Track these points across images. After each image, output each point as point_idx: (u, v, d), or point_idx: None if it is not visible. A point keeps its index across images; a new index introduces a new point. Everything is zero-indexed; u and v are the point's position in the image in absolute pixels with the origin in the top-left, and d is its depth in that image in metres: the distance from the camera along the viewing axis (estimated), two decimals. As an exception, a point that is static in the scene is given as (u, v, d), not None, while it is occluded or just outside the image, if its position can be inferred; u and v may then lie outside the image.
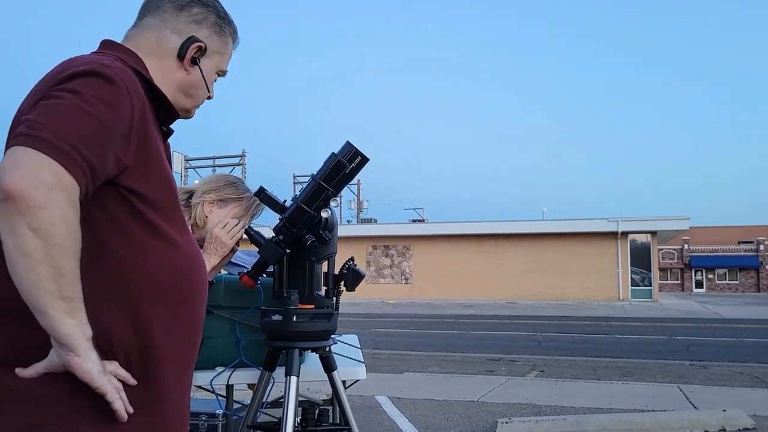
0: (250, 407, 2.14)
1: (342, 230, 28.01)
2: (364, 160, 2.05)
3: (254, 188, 2.12)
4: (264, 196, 2.06)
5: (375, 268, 27.78)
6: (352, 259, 2.22)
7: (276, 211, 2.07)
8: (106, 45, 1.26)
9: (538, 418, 4.32)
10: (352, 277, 2.18)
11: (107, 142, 1.03)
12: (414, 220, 32.80)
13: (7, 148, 1.00)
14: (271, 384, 2.18)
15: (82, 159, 0.99)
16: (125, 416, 1.06)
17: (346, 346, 2.69)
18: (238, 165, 33.75)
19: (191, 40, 1.29)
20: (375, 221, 32.57)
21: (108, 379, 1.04)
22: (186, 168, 33.49)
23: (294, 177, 36.91)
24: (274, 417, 2.66)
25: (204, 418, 3.23)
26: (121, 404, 1.05)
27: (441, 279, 26.47)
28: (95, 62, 1.09)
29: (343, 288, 2.19)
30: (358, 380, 2.40)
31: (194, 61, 1.30)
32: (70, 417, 1.03)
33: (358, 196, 39.28)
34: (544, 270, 25.73)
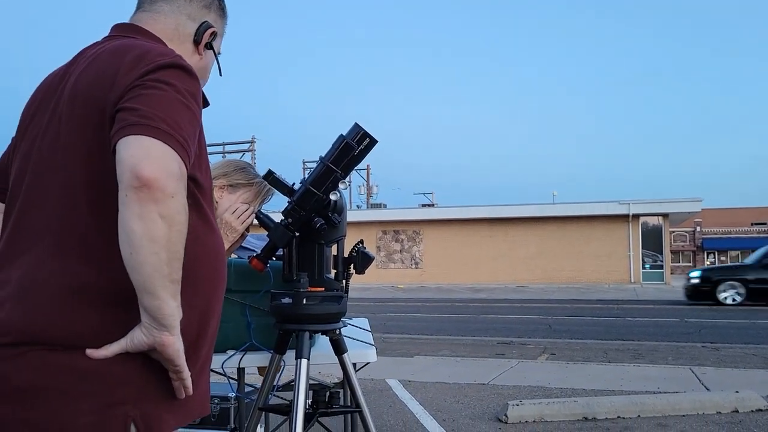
0: (261, 390, 2.15)
1: (352, 215, 28.19)
2: (373, 141, 2.03)
3: (263, 172, 2.11)
4: (272, 179, 2.05)
5: (385, 253, 27.82)
6: (362, 242, 2.21)
7: (284, 194, 2.06)
8: (133, 29, 1.27)
9: (549, 400, 4.33)
10: (361, 259, 2.17)
11: (196, 133, 1.11)
12: (424, 205, 32.78)
13: (114, 134, 1.03)
14: (282, 367, 2.19)
15: (189, 151, 1.07)
16: (190, 392, 1.13)
17: (356, 329, 2.69)
18: (248, 151, 33.80)
19: (205, 25, 1.34)
20: (385, 206, 32.59)
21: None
22: (196, 155, 33.54)
23: (303, 162, 36.93)
24: (285, 399, 2.67)
25: (216, 401, 3.25)
26: (190, 383, 1.12)
27: (451, 263, 26.48)
28: (171, 54, 1.14)
29: (352, 271, 2.19)
30: (368, 363, 2.40)
31: (208, 46, 1.35)
32: (142, 395, 1.07)
33: (367, 180, 39.25)
34: (555, 254, 25.67)
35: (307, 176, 2.04)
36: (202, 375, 1.22)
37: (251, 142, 34.10)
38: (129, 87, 1.07)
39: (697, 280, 15.05)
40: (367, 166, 39.98)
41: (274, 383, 2.19)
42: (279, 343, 2.12)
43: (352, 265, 2.17)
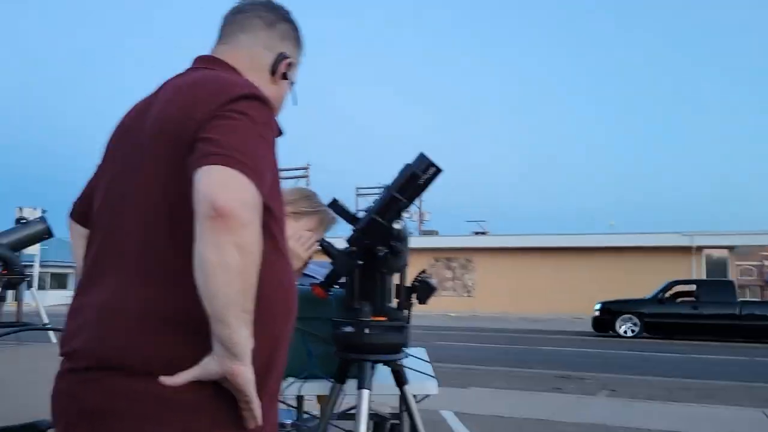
0: (321, 419, 2.13)
1: (404, 242, 28.05)
2: (438, 171, 2.02)
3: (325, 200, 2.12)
4: (337, 208, 2.06)
5: (437, 280, 27.58)
6: (425, 271, 2.18)
7: (349, 222, 2.07)
8: (213, 61, 1.31)
9: (612, 439, 4.15)
10: (424, 289, 2.15)
11: (271, 161, 1.13)
12: (476, 233, 32.48)
13: (192, 165, 1.05)
14: (341, 396, 2.17)
15: (264, 181, 1.07)
16: (260, 422, 1.12)
17: (415, 360, 2.65)
18: (302, 177, 34.36)
19: (282, 56, 1.37)
20: (437, 233, 32.44)
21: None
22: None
23: (357, 190, 37.21)
24: (342, 429, 2.65)
25: (289, 425, 3.25)
26: (260, 412, 1.10)
27: (504, 292, 26.04)
28: (248, 85, 1.17)
29: (414, 301, 2.17)
30: (428, 395, 2.36)
31: (284, 76, 1.37)
32: (215, 424, 1.07)
33: (420, 207, 39.22)
34: (613, 286, 24.85)
35: (372, 205, 2.04)
36: (272, 405, 1.21)
37: (306, 168, 34.68)
38: (207, 118, 1.09)
39: (597, 312, 16.04)
40: (420, 193, 39.95)
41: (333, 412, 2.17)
42: (340, 372, 2.10)
43: (414, 295, 2.14)
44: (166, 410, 1.04)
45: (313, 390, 2.24)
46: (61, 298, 37.94)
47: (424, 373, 2.39)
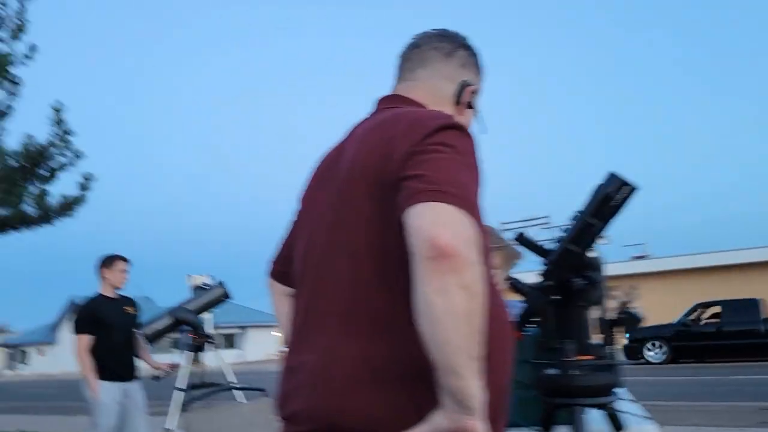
0: (531, 472, 1.96)
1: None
2: (632, 189, 1.84)
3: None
4: (525, 241, 1.93)
5: (641, 309, 26.08)
6: (629, 301, 1.98)
7: (539, 255, 1.93)
8: (397, 99, 1.28)
9: None
10: (629, 321, 1.94)
11: (480, 194, 1.06)
12: (636, 257, 30.45)
13: (403, 204, 1.00)
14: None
15: (478, 214, 1.01)
16: None
17: (622, 401, 2.40)
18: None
19: (465, 84, 1.30)
20: (592, 262, 30.79)
21: None
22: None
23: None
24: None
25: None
26: None
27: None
28: (444, 115, 1.11)
29: (620, 335, 1.97)
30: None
31: (468, 105, 1.31)
32: None
33: (569, 237, 37.59)
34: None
35: (564, 234, 1.89)
36: None
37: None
38: (409, 154, 1.04)
39: (626, 341, 15.75)
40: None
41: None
42: (545, 418, 1.94)
43: (621, 328, 1.95)
44: None
45: (515, 440, 2.08)
46: (233, 357, 40.55)
47: (635, 415, 2.14)
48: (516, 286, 1.99)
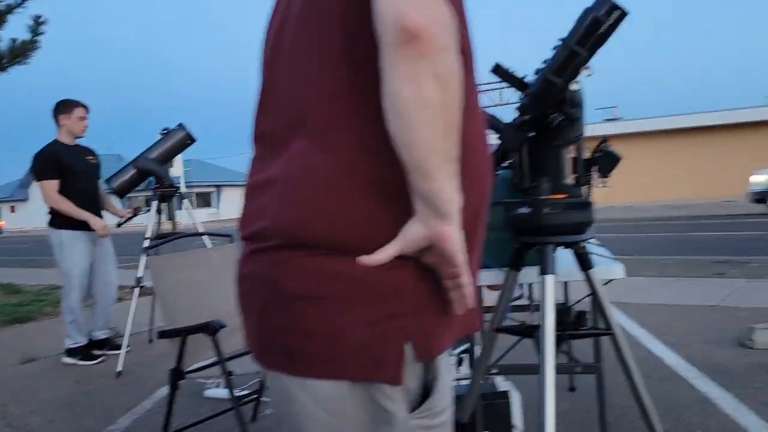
0: (497, 310, 1.97)
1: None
2: (623, 14, 1.67)
3: None
4: (501, 72, 1.78)
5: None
6: (606, 140, 1.88)
7: (517, 88, 1.79)
8: None
9: (805, 324, 3.71)
10: (607, 160, 1.86)
11: None
12: (608, 119, 30.53)
13: None
14: (516, 286, 1.98)
15: (458, 3, 0.86)
16: (471, 303, 0.95)
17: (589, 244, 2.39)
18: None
19: None
20: (564, 124, 30.83)
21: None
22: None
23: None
24: (514, 320, 2.49)
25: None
26: (470, 291, 0.94)
27: (641, 180, 24.54)
28: None
29: (595, 175, 1.89)
30: (612, 280, 2.11)
31: None
32: (419, 309, 0.92)
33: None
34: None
35: (544, 64, 1.74)
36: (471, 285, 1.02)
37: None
38: None
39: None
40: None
41: (514, 298, 1.99)
42: (515, 258, 1.91)
43: (594, 168, 1.87)
44: (362, 295, 0.89)
45: (483, 280, 2.06)
46: (207, 215, 40.94)
47: (604, 256, 2.13)
48: (490, 122, 1.87)
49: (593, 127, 26.39)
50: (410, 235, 0.87)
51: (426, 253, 0.89)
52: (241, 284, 1.00)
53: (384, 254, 0.87)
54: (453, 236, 0.87)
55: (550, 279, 1.75)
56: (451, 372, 1.06)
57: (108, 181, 4.03)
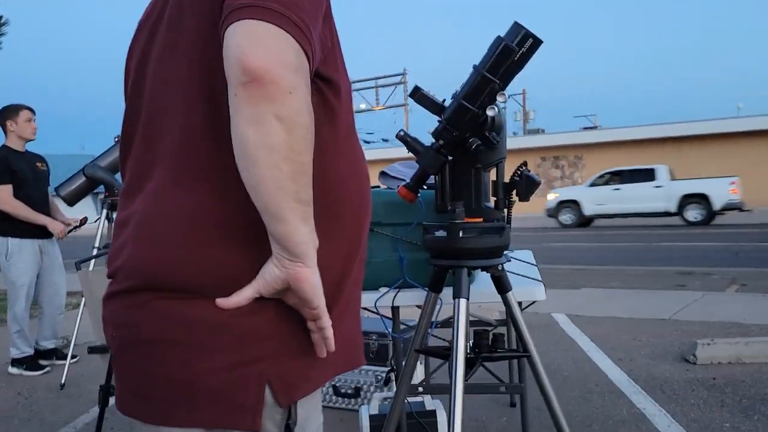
0: (417, 331, 1.97)
1: (508, 143, 27.07)
2: (537, 42, 1.69)
3: (414, 106, 1.86)
4: (419, 97, 1.79)
5: (545, 180, 26.71)
6: (525, 164, 1.90)
7: (434, 113, 1.80)
8: None
9: (749, 339, 3.77)
10: (526, 184, 1.87)
11: (319, 18, 0.88)
12: (586, 128, 30.82)
13: (221, 26, 0.82)
14: (438, 306, 1.99)
15: (311, 37, 0.84)
16: (332, 346, 0.93)
17: (520, 264, 2.41)
18: (400, 84, 33.71)
19: None
20: (543, 131, 31.12)
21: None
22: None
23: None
24: (443, 339, 2.50)
25: (374, 337, 3.18)
26: (331, 333, 0.92)
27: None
28: None
29: (515, 198, 1.91)
30: (535, 301, 2.13)
31: None
32: (279, 351, 0.91)
33: (524, 106, 37.66)
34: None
35: (459, 89, 1.75)
36: (345, 320, 1.02)
37: (403, 74, 33.91)
38: None
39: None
40: (523, 90, 38.24)
41: (432, 322, 2.00)
42: (434, 280, 1.91)
43: (514, 191, 1.88)
44: (220, 339, 0.87)
45: (407, 300, 2.07)
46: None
47: (529, 278, 2.15)
48: (411, 145, 1.88)
49: (571, 136, 26.66)
50: (267, 277, 0.86)
51: (286, 294, 0.89)
52: (105, 328, 0.98)
53: (241, 296, 0.86)
54: (309, 278, 0.86)
55: (462, 303, 1.76)
56: (319, 412, 1.06)
57: (57, 189, 3.97)
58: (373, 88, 34.09)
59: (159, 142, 0.93)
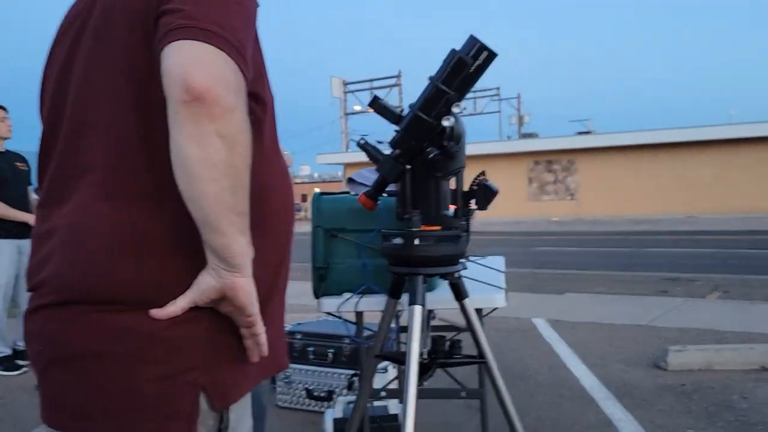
0: (377, 337, 2.00)
1: (502, 146, 27.26)
2: (491, 55, 1.73)
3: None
4: (377, 106, 1.83)
5: (537, 184, 26.78)
6: (483, 173, 1.93)
7: (391, 122, 1.84)
8: None
9: (720, 346, 3.82)
10: (483, 194, 1.91)
11: (251, 39, 0.93)
12: (580, 133, 30.93)
13: (158, 43, 0.85)
14: (400, 311, 2.02)
15: (247, 57, 0.88)
16: (266, 351, 0.97)
17: (486, 271, 2.45)
18: (395, 86, 33.77)
19: None
20: (537, 135, 31.21)
21: None
22: (345, 92, 34.20)
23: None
24: (405, 344, 2.53)
25: (347, 341, 3.21)
26: (265, 339, 0.96)
27: (609, 194, 24.89)
28: None
29: (474, 207, 1.94)
30: (496, 309, 2.16)
31: None
32: (212, 360, 0.93)
33: (518, 110, 37.78)
34: (732, 180, 23.14)
35: (416, 100, 1.78)
36: (273, 326, 1.05)
37: (398, 77, 33.98)
38: None
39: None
40: (518, 94, 38.38)
41: (394, 327, 2.03)
42: (393, 286, 1.94)
43: (473, 201, 1.92)
44: (155, 349, 0.89)
45: (371, 305, 2.10)
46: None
47: (491, 285, 2.18)
48: (371, 153, 1.91)
49: (565, 140, 26.75)
50: (203, 286, 0.89)
51: (220, 304, 0.91)
52: (27, 343, 0.98)
53: (176, 306, 0.89)
54: (245, 287, 0.90)
55: (417, 309, 1.79)
56: (249, 416, 1.09)
57: (38, 190, 3.99)
58: (368, 90, 34.14)
59: (86, 154, 0.94)
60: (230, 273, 0.88)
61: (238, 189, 0.85)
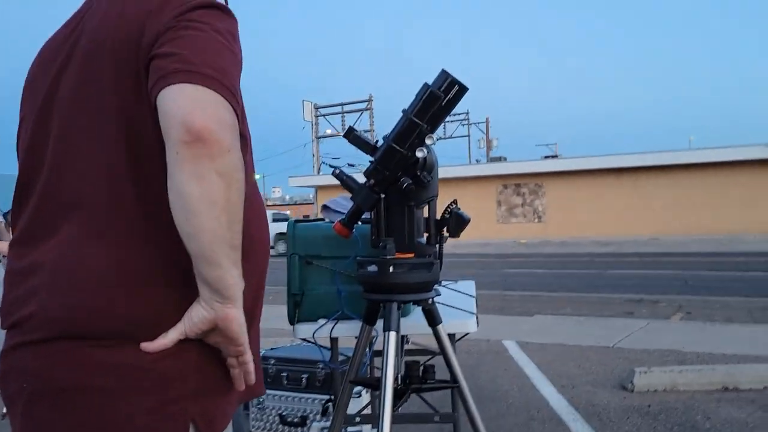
0: (351, 362, 2.04)
1: (471, 170, 27.60)
2: (462, 89, 1.80)
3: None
4: (353, 137, 1.88)
5: (506, 207, 27.14)
6: (455, 202, 2.00)
7: (366, 153, 1.89)
8: None
9: (683, 367, 3.93)
10: (455, 222, 1.97)
11: (239, 79, 0.99)
12: (546, 156, 31.49)
13: (154, 86, 0.90)
14: (374, 336, 2.06)
15: (239, 99, 0.95)
16: (253, 379, 1.01)
17: (457, 296, 2.50)
18: (366, 110, 34.00)
19: None
20: (505, 159, 31.69)
21: None
22: (316, 116, 34.30)
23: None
24: (379, 369, 2.56)
25: (321, 366, 3.22)
26: (252, 367, 1.00)
27: (576, 217, 25.34)
28: None
29: (446, 234, 2.00)
30: (467, 334, 2.22)
31: None
32: (201, 390, 0.96)
33: (487, 134, 38.33)
34: (692, 203, 23.78)
35: (390, 132, 1.85)
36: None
37: (368, 101, 34.24)
38: (162, 30, 0.93)
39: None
40: (486, 118, 38.96)
41: (367, 353, 2.07)
42: (368, 313, 1.99)
43: (445, 228, 1.98)
44: (146, 382, 0.92)
45: (345, 331, 2.14)
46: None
47: (463, 310, 2.24)
48: (346, 182, 1.96)
49: (532, 164, 27.21)
50: (195, 319, 0.92)
51: (210, 335, 0.95)
52: (4, 380, 0.97)
53: (167, 339, 0.91)
54: (238, 318, 0.94)
55: (392, 335, 1.83)
56: None
57: (6, 215, 3.95)
58: (339, 114, 34.30)
59: (71, 192, 0.96)
60: (222, 305, 0.92)
61: (233, 223, 0.90)
